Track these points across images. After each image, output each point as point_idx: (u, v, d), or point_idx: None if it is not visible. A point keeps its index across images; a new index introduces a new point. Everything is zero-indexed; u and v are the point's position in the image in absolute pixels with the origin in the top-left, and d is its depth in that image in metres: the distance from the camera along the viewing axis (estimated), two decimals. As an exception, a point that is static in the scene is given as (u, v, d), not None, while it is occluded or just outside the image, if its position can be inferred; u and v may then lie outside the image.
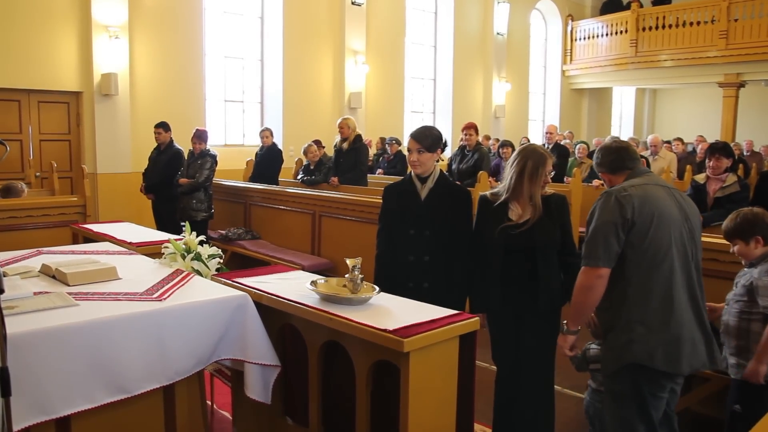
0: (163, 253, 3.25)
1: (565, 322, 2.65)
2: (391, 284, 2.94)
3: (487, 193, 3.15)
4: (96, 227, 4.50)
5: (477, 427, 3.29)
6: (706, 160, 4.98)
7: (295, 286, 2.87)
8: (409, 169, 3.23)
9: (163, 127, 7.12)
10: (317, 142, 8.19)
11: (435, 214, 3.09)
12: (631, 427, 2.51)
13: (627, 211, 2.43)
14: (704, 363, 2.50)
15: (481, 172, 6.07)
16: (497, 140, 10.59)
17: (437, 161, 3.16)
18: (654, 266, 2.44)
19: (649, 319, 2.43)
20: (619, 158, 2.67)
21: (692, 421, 3.49)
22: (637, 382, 2.48)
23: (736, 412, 2.83)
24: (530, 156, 2.97)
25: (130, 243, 3.81)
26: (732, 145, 7.02)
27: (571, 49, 15.87)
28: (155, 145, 7.27)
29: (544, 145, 7.53)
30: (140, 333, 2.39)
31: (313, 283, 2.77)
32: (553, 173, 3.10)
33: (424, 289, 3.03)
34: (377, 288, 2.71)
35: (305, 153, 7.93)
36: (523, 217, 2.97)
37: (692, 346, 2.45)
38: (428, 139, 3.09)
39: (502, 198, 3.02)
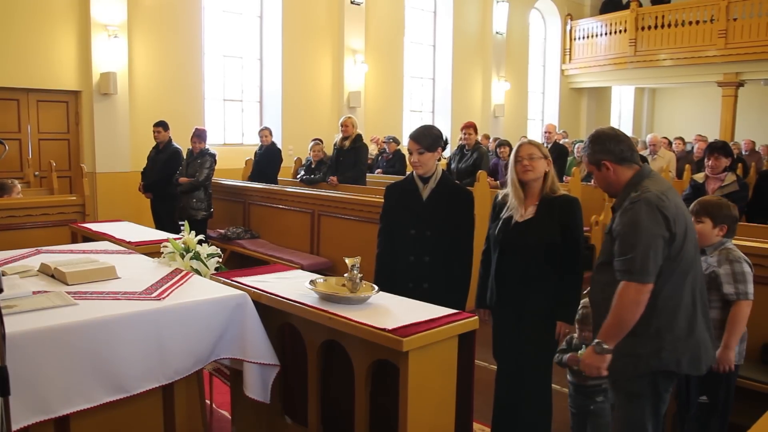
0: (162, 253, 3.25)
1: (598, 341, 2.41)
2: (391, 284, 2.94)
3: (501, 192, 3.17)
4: (95, 226, 4.49)
5: (476, 426, 3.30)
6: (705, 160, 4.99)
7: (294, 286, 2.86)
8: (409, 168, 3.22)
9: (162, 126, 7.13)
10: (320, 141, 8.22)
11: (436, 215, 3.08)
12: (643, 426, 2.51)
13: (672, 225, 2.34)
14: (714, 360, 2.59)
15: (480, 171, 6.07)
16: (496, 139, 10.58)
17: (438, 160, 3.16)
18: (683, 276, 2.40)
19: (677, 328, 2.41)
20: (628, 149, 2.50)
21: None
22: (655, 383, 2.47)
23: (703, 403, 2.87)
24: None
25: (129, 242, 3.81)
26: (731, 144, 7.02)
27: (570, 49, 15.86)
28: (154, 144, 7.29)
29: (543, 143, 7.56)
30: (139, 332, 2.39)
31: (312, 282, 2.77)
32: (530, 157, 2.94)
33: (424, 289, 3.03)
34: (376, 287, 2.71)
35: (312, 150, 7.96)
36: (524, 217, 2.98)
37: (706, 347, 2.48)
38: (428, 138, 3.08)
39: (508, 196, 3.05)
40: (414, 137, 3.10)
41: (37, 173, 7.85)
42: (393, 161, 9.19)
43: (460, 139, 7.20)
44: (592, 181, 2.68)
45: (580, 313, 3.02)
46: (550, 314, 2.96)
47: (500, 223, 3.03)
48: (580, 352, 2.98)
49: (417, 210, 3.12)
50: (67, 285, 2.73)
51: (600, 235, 7.46)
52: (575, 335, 3.08)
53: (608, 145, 2.50)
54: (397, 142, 9.34)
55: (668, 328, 2.40)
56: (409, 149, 3.17)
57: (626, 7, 14.93)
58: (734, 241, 2.99)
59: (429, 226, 3.08)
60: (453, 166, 7.21)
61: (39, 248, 3.60)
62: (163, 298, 2.58)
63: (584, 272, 3.03)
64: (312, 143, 8.06)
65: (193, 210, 6.70)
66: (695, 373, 2.50)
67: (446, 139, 3.17)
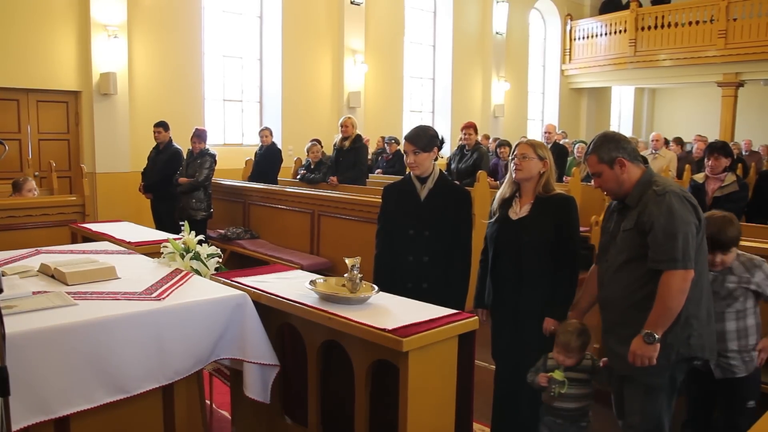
0: (162, 253, 3.25)
1: (646, 331, 2.42)
2: (390, 284, 2.94)
3: (498, 193, 3.18)
4: (95, 227, 4.49)
5: (476, 426, 3.30)
6: (705, 160, 4.99)
7: (294, 286, 2.86)
8: (408, 169, 3.23)
9: (162, 126, 7.13)
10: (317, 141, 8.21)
11: (434, 215, 3.08)
12: (660, 419, 2.56)
13: (699, 213, 2.46)
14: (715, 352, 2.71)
15: (480, 171, 6.07)
16: (496, 140, 10.58)
17: (435, 160, 3.16)
18: (703, 264, 2.51)
19: (701, 315, 2.50)
20: (636, 148, 2.65)
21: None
22: (674, 374, 2.54)
23: (750, 408, 2.87)
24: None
25: (128, 242, 3.81)
26: (731, 144, 7.01)
27: (570, 49, 15.86)
28: (154, 144, 7.28)
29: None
30: (139, 333, 2.39)
31: (312, 282, 2.77)
32: (522, 157, 2.97)
33: (423, 289, 3.03)
34: (376, 287, 2.71)
35: (308, 151, 7.95)
36: (519, 215, 2.99)
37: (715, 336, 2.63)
38: (423, 139, 3.08)
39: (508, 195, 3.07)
40: (409, 138, 3.11)
41: (37, 173, 7.85)
42: (393, 161, 9.21)
43: (460, 139, 7.20)
44: (593, 181, 2.68)
45: (561, 339, 2.80)
46: (543, 313, 2.96)
47: (495, 222, 3.05)
48: (553, 373, 2.80)
49: (415, 210, 3.12)
50: (67, 285, 2.73)
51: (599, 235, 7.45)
52: (551, 354, 2.87)
53: (622, 143, 2.60)
54: (397, 142, 9.36)
55: (695, 315, 2.48)
56: (404, 150, 3.17)
57: (626, 7, 14.93)
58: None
59: (427, 226, 3.09)
60: (453, 166, 7.21)
61: (39, 248, 3.60)
62: (163, 298, 2.58)
63: (581, 272, 3.02)
64: (309, 144, 8.04)
65: (193, 210, 6.70)
66: (712, 360, 2.62)
67: (442, 139, 3.17)
